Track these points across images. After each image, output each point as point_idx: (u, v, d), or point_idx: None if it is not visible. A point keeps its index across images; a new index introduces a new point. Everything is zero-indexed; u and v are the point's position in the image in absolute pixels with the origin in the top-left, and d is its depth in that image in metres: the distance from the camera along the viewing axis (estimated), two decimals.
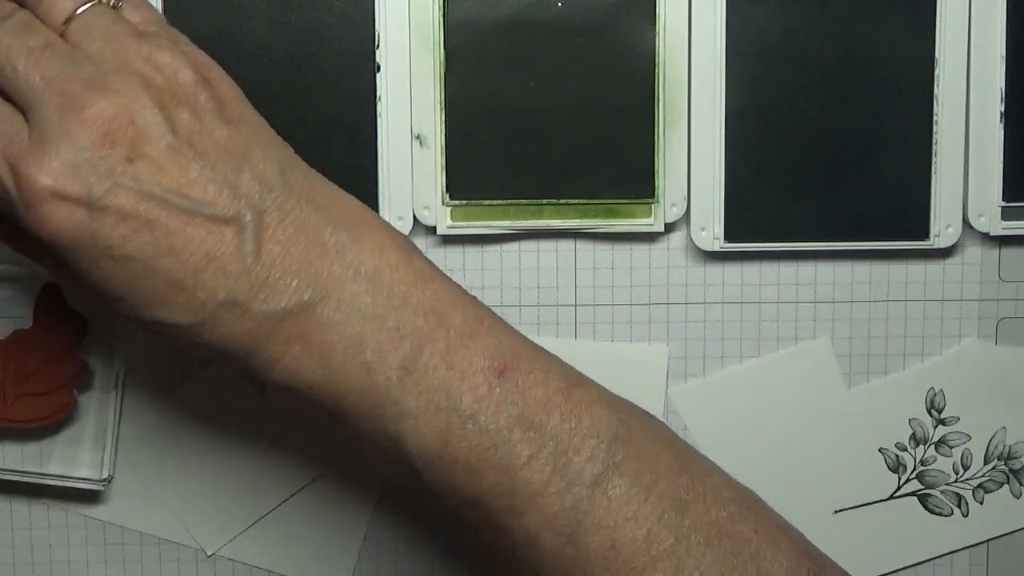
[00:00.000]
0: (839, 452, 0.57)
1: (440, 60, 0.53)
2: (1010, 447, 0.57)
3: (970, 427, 0.57)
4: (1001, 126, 0.54)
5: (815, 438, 0.57)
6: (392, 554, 0.58)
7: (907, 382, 0.57)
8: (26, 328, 0.54)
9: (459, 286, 0.45)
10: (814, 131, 0.54)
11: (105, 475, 0.55)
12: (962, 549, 0.58)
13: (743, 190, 0.54)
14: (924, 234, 0.55)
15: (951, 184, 0.54)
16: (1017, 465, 0.57)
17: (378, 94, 0.53)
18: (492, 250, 0.55)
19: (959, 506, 0.57)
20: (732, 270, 0.56)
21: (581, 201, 0.54)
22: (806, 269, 0.56)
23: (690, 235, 0.55)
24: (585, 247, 0.55)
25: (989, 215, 0.55)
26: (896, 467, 0.57)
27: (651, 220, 0.54)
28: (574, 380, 0.45)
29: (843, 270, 0.56)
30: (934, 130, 0.54)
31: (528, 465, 0.43)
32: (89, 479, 0.56)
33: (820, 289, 0.56)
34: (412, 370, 0.43)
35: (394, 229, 0.45)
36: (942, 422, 0.57)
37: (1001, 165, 0.54)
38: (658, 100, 0.53)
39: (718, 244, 0.55)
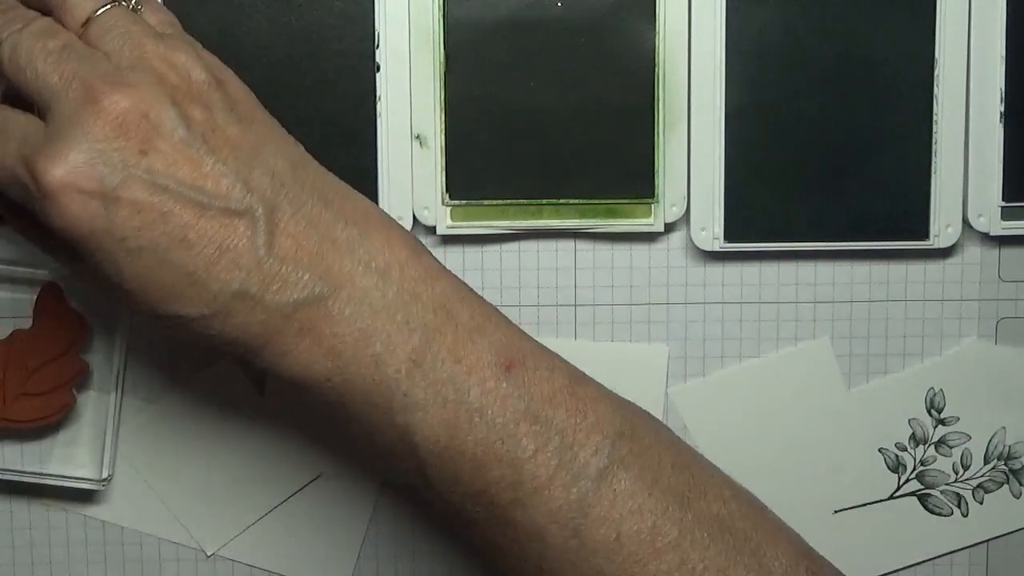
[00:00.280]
0: (839, 452, 0.57)
1: (440, 60, 0.53)
2: (1010, 447, 0.57)
3: (970, 427, 0.57)
4: (1001, 126, 0.54)
5: (815, 438, 0.57)
6: (392, 554, 0.58)
7: (907, 382, 0.57)
8: (26, 328, 0.54)
9: (466, 284, 0.46)
10: (814, 131, 0.54)
11: (105, 475, 0.55)
12: (962, 549, 0.58)
13: (743, 190, 0.54)
14: (924, 234, 0.55)
15: (951, 184, 0.54)
16: (1017, 465, 0.57)
17: (378, 94, 0.53)
18: (492, 250, 0.55)
19: (959, 506, 0.57)
20: (732, 270, 0.56)
21: (581, 201, 0.54)
22: (806, 269, 0.56)
23: (690, 235, 0.55)
24: (585, 247, 0.56)
25: (989, 215, 0.55)
26: (896, 467, 0.57)
27: (651, 220, 0.54)
28: (577, 378, 0.46)
29: (843, 270, 0.56)
30: (934, 130, 0.54)
31: (534, 458, 0.43)
32: (89, 479, 0.56)
33: (820, 289, 0.56)
34: (421, 363, 0.43)
35: (402, 227, 0.45)
36: (942, 422, 0.57)
37: (1001, 165, 0.54)
38: (658, 100, 0.53)
39: (718, 244, 0.55)
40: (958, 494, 0.57)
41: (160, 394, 0.56)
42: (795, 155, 0.54)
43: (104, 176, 0.40)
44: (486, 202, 0.54)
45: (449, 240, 0.55)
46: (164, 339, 0.56)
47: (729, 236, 0.54)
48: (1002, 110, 0.54)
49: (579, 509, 0.43)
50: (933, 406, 0.57)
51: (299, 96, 0.53)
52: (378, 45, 0.53)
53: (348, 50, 0.53)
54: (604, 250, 0.56)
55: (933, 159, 0.54)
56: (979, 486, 0.57)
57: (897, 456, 0.57)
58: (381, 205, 0.53)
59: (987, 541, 0.58)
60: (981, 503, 0.57)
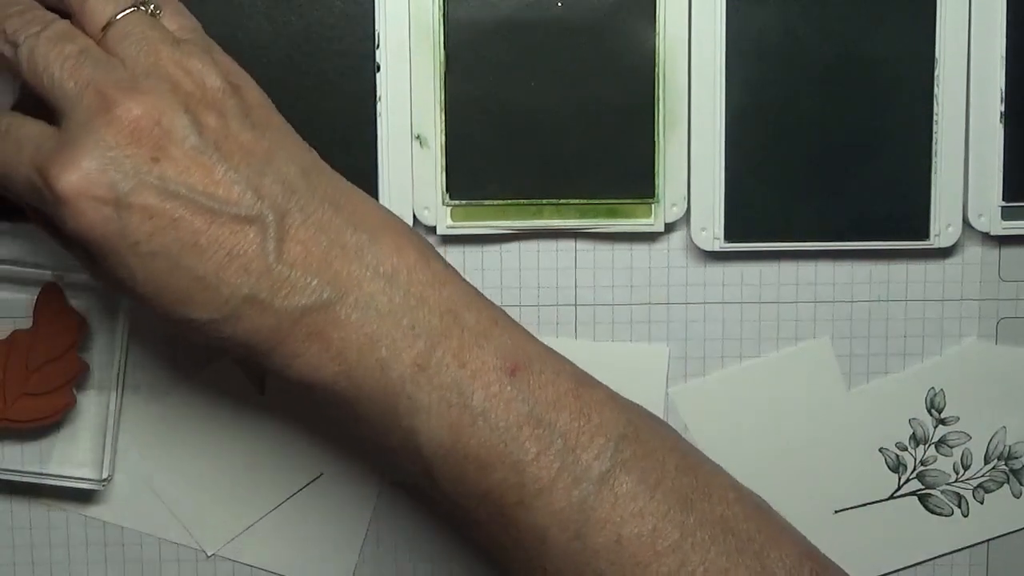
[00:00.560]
0: (839, 452, 0.57)
1: (440, 60, 0.53)
2: (1010, 447, 0.57)
3: (970, 427, 0.57)
4: (1001, 126, 0.54)
5: (815, 438, 0.57)
6: (392, 554, 0.58)
7: (907, 382, 0.57)
8: (26, 328, 0.54)
9: (474, 288, 0.46)
10: (814, 131, 0.54)
11: (105, 475, 0.55)
12: (962, 549, 0.58)
13: (743, 190, 0.54)
14: (924, 234, 0.55)
15: (951, 184, 0.54)
16: (1017, 465, 0.57)
17: (378, 94, 0.53)
18: (492, 250, 0.55)
19: (959, 506, 0.57)
20: (732, 270, 0.56)
21: (581, 201, 0.54)
22: (806, 269, 0.56)
23: (690, 235, 0.55)
24: (585, 247, 0.56)
25: (989, 215, 0.55)
26: (896, 467, 0.57)
27: (651, 220, 0.54)
28: (583, 381, 0.46)
29: (843, 270, 0.56)
30: (934, 130, 0.54)
31: (537, 461, 0.44)
32: (89, 479, 0.56)
33: (820, 289, 0.56)
34: (425, 367, 0.44)
35: (413, 231, 0.46)
36: (942, 422, 0.57)
37: (1001, 165, 0.54)
38: (658, 100, 0.53)
39: (718, 244, 0.55)
40: (958, 494, 0.57)
41: (160, 394, 0.56)
42: (795, 155, 0.54)
43: (116, 182, 0.41)
44: (486, 202, 0.54)
45: (449, 240, 0.55)
46: (164, 339, 0.56)
47: (729, 236, 0.54)
48: (1002, 110, 0.54)
49: (581, 512, 0.44)
50: (933, 406, 0.57)
51: (299, 96, 0.53)
52: (378, 45, 0.53)
53: (348, 50, 0.53)
54: (604, 250, 0.56)
55: (933, 159, 0.54)
56: (979, 486, 0.57)
57: (897, 456, 0.57)
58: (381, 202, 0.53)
59: (987, 541, 0.58)
60: (981, 503, 0.57)
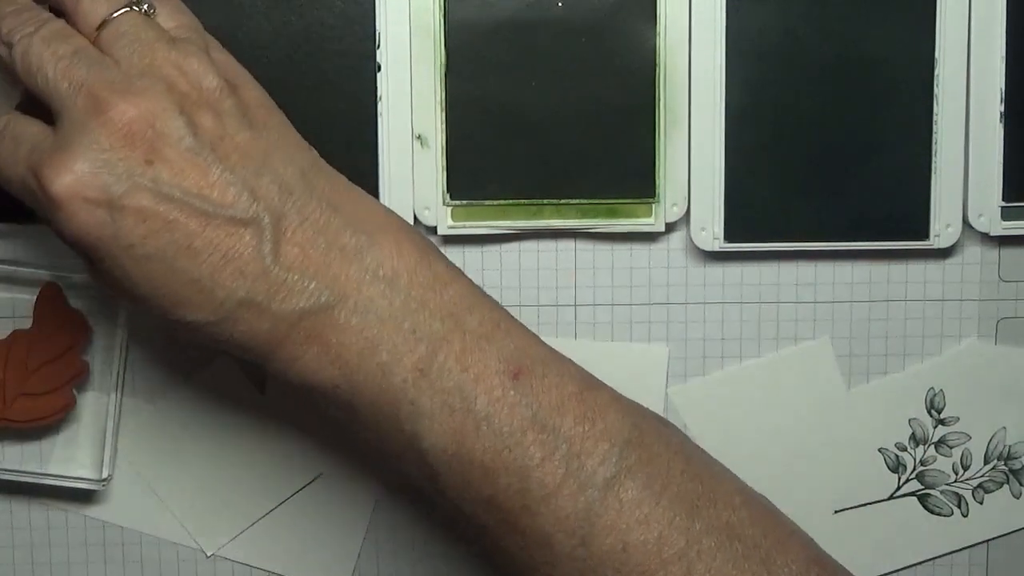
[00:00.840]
0: (839, 452, 0.57)
1: (441, 60, 0.53)
2: (1010, 447, 0.57)
3: (970, 427, 0.57)
4: (1001, 126, 0.54)
5: (815, 438, 0.57)
6: (392, 554, 0.58)
7: (907, 382, 0.57)
8: (26, 328, 0.54)
9: (479, 289, 0.46)
10: (814, 131, 0.54)
11: (105, 475, 0.55)
12: (962, 549, 0.58)
13: (743, 190, 0.54)
14: (924, 234, 0.55)
15: (951, 184, 0.54)
16: (1017, 465, 0.57)
17: (379, 94, 0.53)
18: (492, 250, 0.55)
19: (959, 506, 0.57)
20: (732, 270, 0.56)
21: (582, 201, 0.54)
22: (806, 269, 0.56)
23: (690, 235, 0.55)
24: (585, 247, 0.55)
25: (989, 215, 0.55)
26: (896, 467, 0.57)
27: (652, 220, 0.54)
28: (588, 384, 0.46)
29: (843, 270, 0.56)
30: (934, 130, 0.54)
31: (541, 466, 0.43)
32: (89, 479, 0.56)
33: (820, 289, 0.56)
34: (427, 372, 0.43)
35: (414, 230, 0.46)
36: (942, 422, 0.57)
37: (1001, 165, 0.54)
38: (659, 100, 0.53)
39: (718, 244, 0.55)
40: (958, 494, 0.57)
41: (160, 394, 0.56)
42: (795, 155, 0.54)
43: (109, 185, 0.41)
44: (487, 202, 0.54)
45: (450, 240, 0.55)
46: (164, 339, 0.56)
47: (729, 236, 0.54)
48: (1002, 110, 0.54)
49: (586, 518, 0.43)
50: (933, 406, 0.57)
51: (299, 96, 0.53)
52: (379, 45, 0.53)
53: (349, 50, 0.53)
54: (604, 250, 0.56)
55: (933, 159, 0.54)
56: (979, 486, 0.57)
57: (897, 456, 0.57)
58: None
59: (987, 541, 0.58)
60: (981, 503, 0.57)
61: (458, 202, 0.54)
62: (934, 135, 0.54)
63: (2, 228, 0.54)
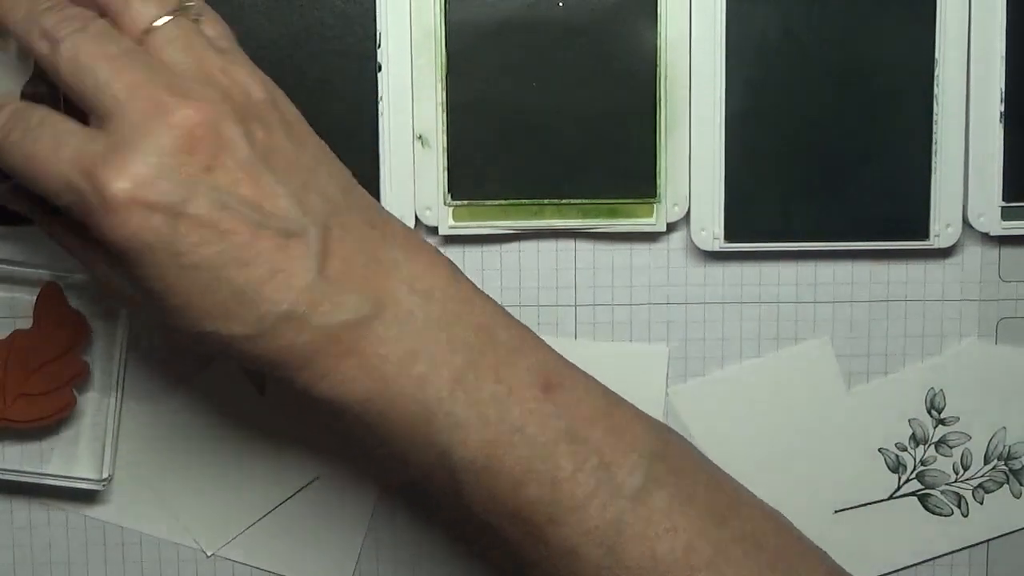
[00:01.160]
0: (839, 452, 0.57)
1: (442, 60, 0.53)
2: (1010, 447, 0.57)
3: (970, 427, 0.57)
4: (1001, 126, 0.54)
5: (815, 438, 0.57)
6: (392, 554, 0.58)
7: (907, 382, 0.57)
8: (26, 328, 0.54)
9: (501, 307, 0.46)
10: (814, 131, 0.54)
11: (105, 475, 0.55)
12: (962, 549, 0.58)
13: (743, 190, 0.54)
14: (924, 234, 0.55)
15: (951, 184, 0.54)
16: (1017, 465, 0.57)
17: (379, 94, 0.53)
18: (492, 250, 0.55)
19: (959, 506, 0.57)
20: (732, 270, 0.56)
21: (583, 201, 0.54)
22: (806, 269, 0.56)
23: (690, 235, 0.55)
24: (585, 247, 0.56)
25: (989, 215, 0.55)
26: (896, 467, 0.57)
27: (653, 220, 0.54)
28: (612, 398, 0.46)
29: (843, 270, 0.56)
30: (934, 130, 0.54)
31: (572, 478, 0.43)
32: (89, 479, 0.56)
33: (820, 289, 0.56)
34: (463, 382, 0.43)
35: (440, 253, 0.46)
36: (942, 422, 0.57)
37: (1001, 165, 0.54)
38: (659, 100, 0.53)
39: (718, 244, 0.55)
40: (958, 494, 0.57)
41: (160, 394, 0.56)
42: (795, 155, 0.54)
43: (169, 191, 0.40)
44: (488, 202, 0.54)
45: (451, 240, 0.55)
46: (164, 339, 0.56)
47: (729, 236, 0.54)
48: (1002, 110, 0.54)
49: (615, 528, 0.43)
50: (933, 406, 0.57)
51: (300, 96, 0.52)
52: (379, 45, 0.53)
53: (349, 50, 0.53)
54: (604, 250, 0.56)
55: (933, 159, 0.54)
56: (979, 486, 0.57)
57: (897, 456, 0.57)
58: (383, 205, 0.53)
59: (987, 541, 0.58)
60: (981, 503, 0.57)
61: (459, 202, 0.54)
62: (934, 135, 0.54)
63: (2, 228, 0.54)
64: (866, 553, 0.57)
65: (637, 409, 0.47)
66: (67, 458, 0.56)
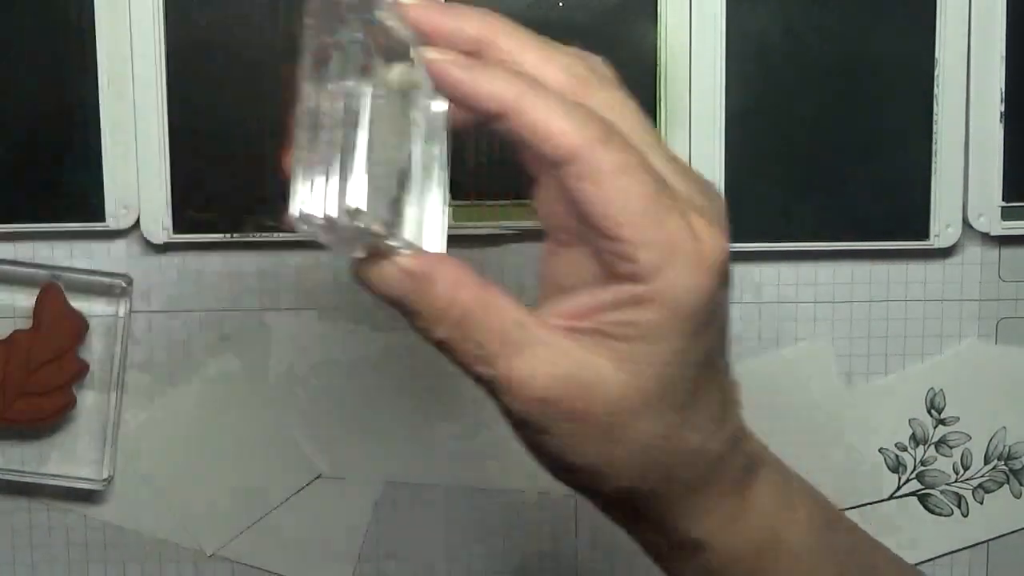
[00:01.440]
0: (839, 452, 0.57)
1: None
2: (1010, 447, 0.57)
3: (970, 427, 0.57)
4: (1001, 126, 0.54)
5: (815, 438, 0.57)
6: (392, 554, 0.58)
7: (907, 382, 0.57)
8: (26, 328, 0.54)
9: None
10: (814, 131, 0.54)
11: (105, 475, 0.55)
12: (962, 549, 0.58)
13: (743, 190, 0.54)
14: (924, 234, 0.55)
15: (951, 184, 0.54)
16: (1017, 465, 0.57)
17: None
18: (492, 250, 0.55)
19: (959, 506, 0.57)
20: (732, 270, 0.56)
21: None
22: (806, 269, 0.56)
23: None
24: None
25: (989, 215, 0.55)
26: (896, 467, 0.57)
27: None
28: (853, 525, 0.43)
29: (843, 270, 0.56)
30: (934, 130, 0.54)
31: None
32: (89, 479, 0.56)
33: (820, 289, 0.56)
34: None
35: None
36: (942, 422, 0.57)
37: (1001, 165, 0.54)
38: (660, 101, 0.53)
39: None
40: (958, 494, 0.57)
41: (160, 394, 0.56)
42: (795, 155, 0.54)
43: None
44: (488, 202, 0.54)
45: (451, 241, 0.55)
46: (164, 339, 0.56)
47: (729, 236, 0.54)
48: (1002, 110, 0.54)
49: None
50: (933, 406, 0.57)
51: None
52: None
53: None
54: None
55: (933, 159, 0.54)
56: (979, 486, 0.57)
57: (897, 456, 0.57)
58: None
59: (987, 541, 0.58)
60: (981, 503, 0.57)
61: (460, 202, 0.54)
62: (934, 135, 0.54)
63: (2, 228, 0.54)
64: None
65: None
66: (67, 458, 0.56)
